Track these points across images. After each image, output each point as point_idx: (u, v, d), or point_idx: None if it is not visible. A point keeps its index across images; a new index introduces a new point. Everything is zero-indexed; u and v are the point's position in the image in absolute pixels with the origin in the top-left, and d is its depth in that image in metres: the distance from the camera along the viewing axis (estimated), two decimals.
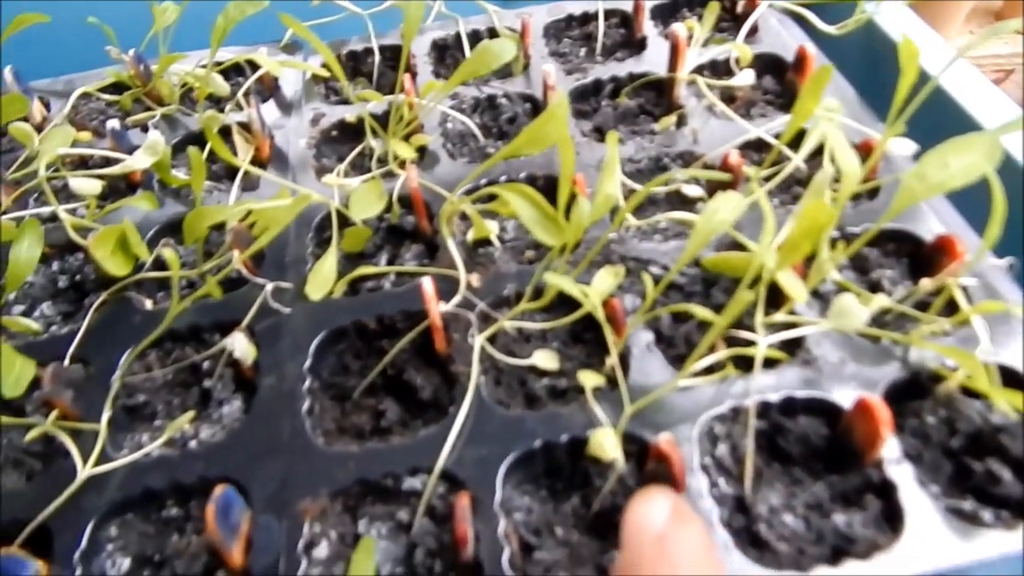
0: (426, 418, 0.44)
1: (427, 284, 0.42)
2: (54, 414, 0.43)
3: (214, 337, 0.49)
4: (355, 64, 0.70)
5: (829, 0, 0.64)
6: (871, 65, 0.61)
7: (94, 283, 0.54)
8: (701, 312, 0.39)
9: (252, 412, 0.43)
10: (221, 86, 0.65)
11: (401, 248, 0.53)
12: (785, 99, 0.60)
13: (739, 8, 0.68)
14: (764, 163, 0.49)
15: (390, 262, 0.52)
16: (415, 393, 0.45)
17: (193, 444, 0.43)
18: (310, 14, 0.67)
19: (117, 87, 0.68)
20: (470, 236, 0.50)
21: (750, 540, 0.36)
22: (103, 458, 0.42)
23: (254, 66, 0.66)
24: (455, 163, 0.57)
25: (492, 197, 0.42)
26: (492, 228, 0.50)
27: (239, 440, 0.42)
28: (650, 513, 0.31)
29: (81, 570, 0.38)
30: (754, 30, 0.64)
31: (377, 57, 0.68)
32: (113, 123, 0.57)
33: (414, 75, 0.66)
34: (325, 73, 0.65)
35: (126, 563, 0.40)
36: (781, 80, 0.61)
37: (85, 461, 0.41)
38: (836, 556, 0.35)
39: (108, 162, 0.60)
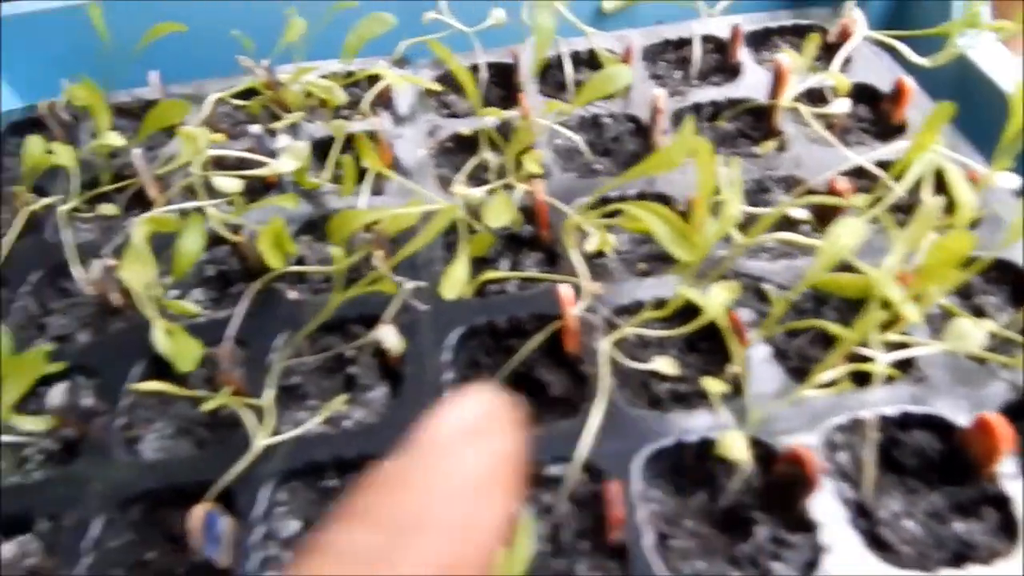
0: (556, 413, 0.48)
1: (565, 290, 0.46)
2: (228, 388, 0.47)
3: (357, 328, 0.53)
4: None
5: (921, 34, 0.67)
6: (962, 96, 0.64)
7: (238, 273, 0.59)
8: (834, 328, 0.42)
9: (400, 398, 0.48)
10: (340, 96, 0.70)
11: (520, 255, 0.57)
12: (879, 127, 0.63)
13: (831, 37, 0.71)
14: (872, 190, 0.52)
15: (512, 268, 0.56)
16: (545, 389, 0.49)
17: (348, 423, 0.48)
18: (418, 31, 0.72)
19: (243, 93, 0.73)
20: (587, 247, 0.55)
21: (874, 542, 0.40)
22: (272, 431, 0.46)
23: (372, 79, 0.70)
24: (563, 177, 0.62)
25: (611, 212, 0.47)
26: (611, 240, 0.54)
27: (391, 422, 0.47)
28: (457, 411, 0.27)
29: (262, 528, 0.43)
30: (847, 60, 0.68)
31: (484, 74, 0.73)
32: (255, 128, 0.62)
33: (518, 93, 0.70)
34: (438, 88, 0.70)
35: (295, 525, 0.44)
36: (875, 109, 0.65)
37: (257, 434, 0.46)
38: (958, 560, 0.38)
39: (242, 163, 0.65)
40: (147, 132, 0.59)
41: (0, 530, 0.46)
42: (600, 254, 0.55)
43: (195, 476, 0.46)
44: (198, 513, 0.40)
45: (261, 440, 0.45)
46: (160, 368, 0.52)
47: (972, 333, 0.42)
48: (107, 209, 0.67)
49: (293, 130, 0.70)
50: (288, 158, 0.57)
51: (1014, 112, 0.46)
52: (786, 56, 0.60)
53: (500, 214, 0.52)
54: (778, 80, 0.60)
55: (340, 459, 0.46)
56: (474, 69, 0.74)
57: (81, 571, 0.42)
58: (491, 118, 0.64)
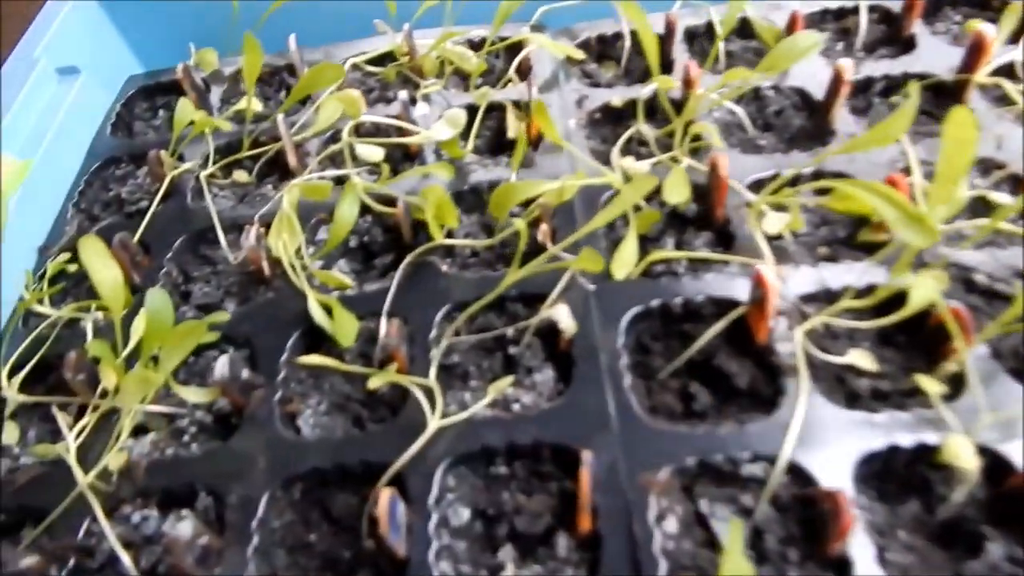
0: (744, 406, 0.44)
1: (768, 272, 0.42)
2: (395, 365, 0.45)
3: (514, 306, 0.50)
4: (603, 48, 0.71)
5: None
6: None
7: (381, 245, 0.57)
8: None
9: (575, 383, 0.45)
10: (477, 64, 0.67)
11: (685, 234, 0.53)
12: None
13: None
14: None
15: (677, 247, 0.53)
16: (728, 380, 0.45)
17: (517, 407, 0.45)
18: None
19: (376, 59, 0.70)
20: (769, 228, 0.50)
21: None
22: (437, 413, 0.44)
23: (513, 48, 0.67)
24: (728, 153, 0.57)
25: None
26: (798, 221, 0.50)
27: (567, 409, 0.44)
28: None
29: (436, 515, 0.40)
30: None
31: (628, 42, 0.69)
32: (403, 95, 0.59)
33: (669, 63, 0.66)
34: (581, 55, 0.66)
35: (466, 513, 0.42)
36: None
37: (428, 413, 0.43)
38: None
39: (378, 130, 0.62)
40: (299, 96, 0.57)
41: (159, 503, 0.45)
42: (776, 236, 0.51)
43: (360, 456, 0.44)
44: (384, 497, 0.38)
45: (435, 422, 0.43)
46: (314, 341, 0.51)
47: None
48: (240, 176, 0.65)
49: (427, 99, 0.67)
50: (445, 126, 0.54)
51: None
52: (990, 27, 0.54)
53: (679, 190, 0.48)
54: (977, 53, 0.55)
55: (513, 445, 0.43)
56: (616, 38, 0.70)
57: (249, 552, 0.41)
58: (650, 87, 0.59)
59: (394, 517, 0.38)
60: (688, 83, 0.56)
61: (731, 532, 0.36)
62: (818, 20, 0.69)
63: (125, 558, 0.42)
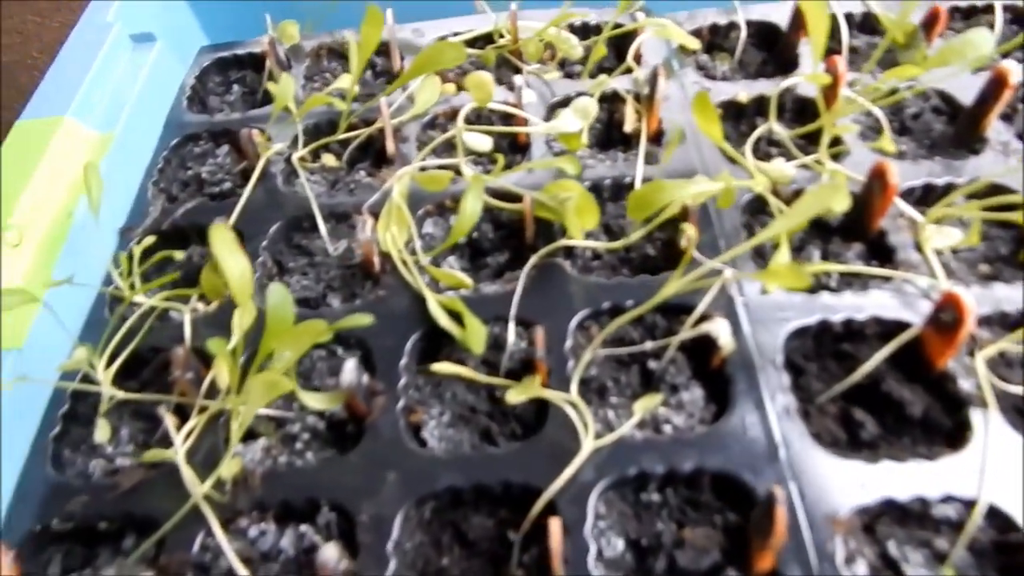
0: (920, 436, 0.41)
1: (967, 295, 0.38)
2: (537, 378, 0.41)
3: (649, 316, 0.47)
4: (713, 38, 0.67)
5: None
6: None
7: (492, 242, 0.53)
8: None
9: (735, 405, 0.41)
10: (576, 48, 0.63)
11: (830, 244, 0.50)
12: None
13: None
14: None
15: (823, 258, 0.49)
16: (898, 408, 0.41)
17: (669, 429, 0.41)
18: None
19: (471, 41, 0.66)
20: (925, 242, 0.47)
21: None
22: (590, 433, 0.40)
23: (629, 34, 0.63)
24: (866, 157, 0.53)
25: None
26: (976, 238, 0.46)
27: (729, 433, 0.40)
28: None
29: (586, 539, 0.37)
30: None
31: (743, 32, 0.65)
32: (519, 80, 0.55)
33: (794, 58, 0.62)
34: (696, 44, 0.62)
35: (619, 544, 0.38)
36: None
37: (581, 433, 0.40)
38: None
39: (479, 117, 0.58)
40: (411, 76, 0.52)
41: (276, 517, 0.41)
42: (939, 252, 0.47)
43: (500, 476, 0.40)
44: (556, 528, 0.34)
45: (589, 442, 0.39)
46: (433, 344, 0.47)
47: None
48: (329, 160, 0.61)
49: (532, 85, 0.63)
50: (573, 116, 0.50)
51: None
52: None
53: (836, 198, 0.45)
54: None
55: (672, 471, 0.39)
56: (730, 28, 0.66)
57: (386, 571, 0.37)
58: (788, 81, 0.55)
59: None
60: (835, 78, 0.52)
61: None
62: (948, 18, 0.65)
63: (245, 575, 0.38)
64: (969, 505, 0.36)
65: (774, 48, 0.65)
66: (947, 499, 0.37)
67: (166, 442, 0.43)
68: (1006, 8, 0.64)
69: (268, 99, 0.66)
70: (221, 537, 0.39)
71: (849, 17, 0.65)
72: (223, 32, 0.75)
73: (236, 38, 0.73)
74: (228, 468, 0.41)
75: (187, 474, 0.40)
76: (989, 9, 0.64)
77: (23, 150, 0.52)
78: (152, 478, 0.42)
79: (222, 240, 0.40)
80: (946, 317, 0.39)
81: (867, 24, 0.66)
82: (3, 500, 0.42)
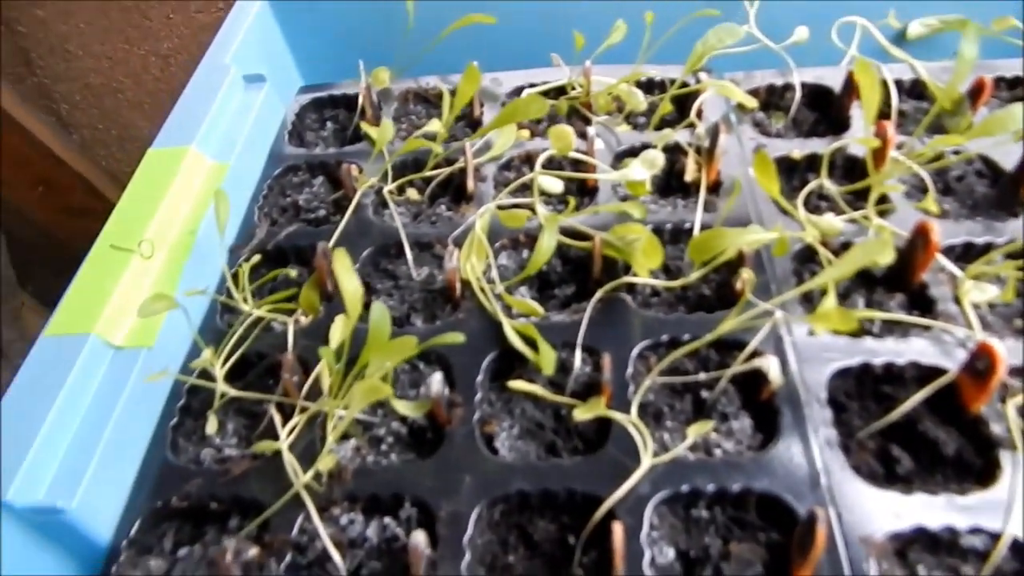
0: (947, 475, 0.44)
1: (999, 346, 0.42)
2: (602, 399, 0.46)
3: (708, 351, 0.51)
4: (769, 97, 0.72)
5: None
6: None
7: (560, 275, 0.59)
8: None
9: (782, 435, 0.45)
10: (643, 103, 0.69)
11: (874, 294, 0.54)
12: None
13: None
14: None
15: (867, 306, 0.53)
16: (933, 447, 0.45)
17: (719, 453, 0.46)
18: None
19: (546, 92, 0.72)
20: (964, 296, 0.50)
21: None
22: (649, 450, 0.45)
23: (693, 92, 0.68)
24: (909, 214, 0.57)
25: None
26: (1012, 294, 0.50)
27: (775, 460, 0.44)
28: None
29: (642, 545, 0.41)
30: None
31: (798, 93, 0.70)
32: (591, 131, 0.61)
33: (845, 119, 0.67)
34: (754, 103, 0.67)
35: (670, 553, 0.43)
36: None
37: (641, 451, 0.44)
38: None
39: (551, 161, 0.64)
40: (500, 124, 0.58)
41: (364, 508, 0.47)
42: (976, 307, 0.51)
43: (564, 484, 0.45)
44: (619, 532, 0.39)
45: (647, 459, 0.44)
46: (506, 365, 0.52)
47: None
48: (412, 194, 0.67)
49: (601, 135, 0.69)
50: (641, 166, 0.56)
51: None
52: None
53: (883, 252, 0.49)
54: None
55: (722, 490, 0.43)
56: (786, 89, 0.71)
57: (463, 567, 0.42)
58: (840, 142, 0.60)
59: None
60: (884, 142, 0.56)
61: None
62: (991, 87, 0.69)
63: (338, 558, 0.43)
64: (995, 537, 0.40)
65: (827, 109, 0.69)
66: (975, 531, 0.40)
67: (266, 437, 0.49)
68: None
69: (357, 136, 0.74)
70: (318, 522, 0.44)
71: (899, 83, 0.69)
72: (319, 75, 0.83)
73: (330, 80, 0.81)
74: (325, 463, 0.47)
75: (290, 465, 0.46)
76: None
77: (154, 175, 0.60)
78: (257, 467, 0.48)
79: (342, 263, 0.46)
80: (980, 365, 0.43)
81: (915, 89, 0.70)
82: (128, 481, 0.49)
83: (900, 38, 0.78)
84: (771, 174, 0.50)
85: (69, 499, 0.43)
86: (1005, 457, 0.43)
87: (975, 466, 0.44)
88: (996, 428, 0.44)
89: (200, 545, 0.47)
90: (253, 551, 0.43)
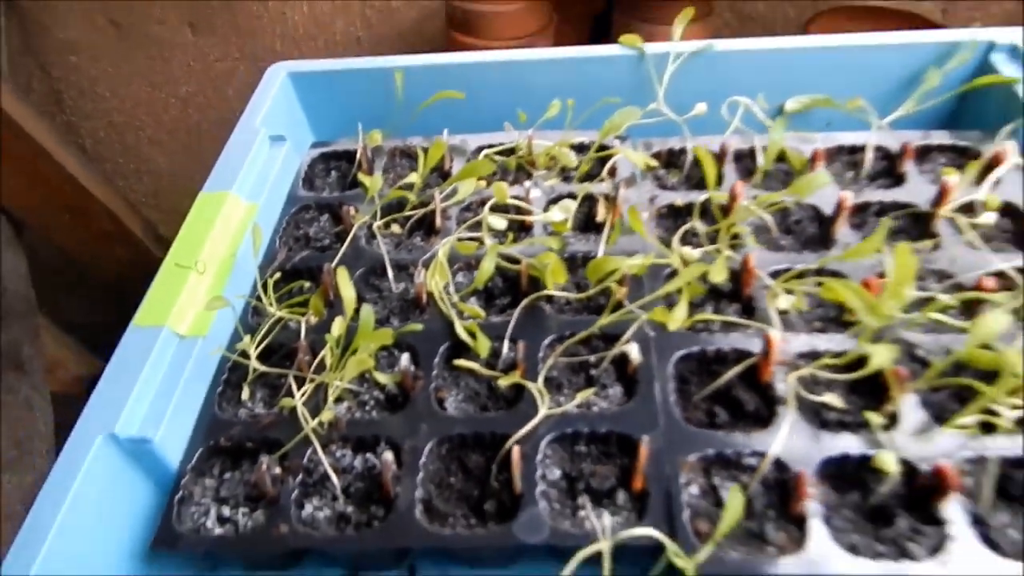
0: (750, 422, 0.65)
1: (775, 335, 0.64)
2: (518, 372, 0.67)
3: (596, 342, 0.73)
4: (670, 158, 0.94)
5: None
6: None
7: (500, 289, 0.80)
8: (983, 387, 0.58)
9: (637, 398, 0.66)
10: (573, 161, 0.91)
11: (721, 304, 0.75)
12: (1018, 238, 0.78)
13: (984, 159, 0.86)
14: (1010, 288, 0.68)
15: (714, 312, 0.74)
16: (740, 405, 0.66)
17: (596, 409, 0.67)
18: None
19: (503, 152, 0.94)
20: (780, 305, 0.72)
21: (986, 540, 0.55)
22: (546, 404, 0.66)
23: (601, 149, 0.91)
24: (756, 249, 0.79)
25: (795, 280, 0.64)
26: (800, 303, 0.71)
27: (631, 413, 0.65)
28: None
29: (536, 469, 0.62)
30: (997, 180, 0.83)
31: (690, 157, 0.92)
32: (528, 183, 0.83)
33: (721, 176, 0.89)
34: (654, 163, 0.89)
35: (557, 472, 0.63)
36: (1017, 223, 0.79)
37: (539, 404, 0.65)
38: None
39: (499, 206, 0.86)
40: (459, 179, 0.81)
41: (352, 447, 0.67)
42: (785, 312, 0.73)
43: (490, 429, 0.66)
44: (517, 453, 0.60)
45: (543, 411, 0.65)
46: (456, 351, 0.73)
47: None
48: (395, 228, 0.89)
49: (539, 185, 0.91)
50: (558, 211, 0.78)
51: None
52: (953, 176, 0.76)
53: (720, 273, 0.71)
54: (943, 194, 0.76)
55: (593, 432, 0.64)
56: (681, 152, 0.93)
57: (415, 482, 0.63)
58: (705, 195, 0.82)
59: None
60: (733, 196, 0.78)
61: (732, 495, 0.57)
62: (836, 152, 0.92)
63: (334, 479, 0.64)
64: (763, 456, 0.61)
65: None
66: (753, 453, 0.61)
67: (286, 398, 0.70)
68: (878, 148, 0.90)
69: (355, 183, 0.95)
70: (321, 455, 0.65)
71: (767, 148, 0.92)
72: (326, 134, 1.05)
73: (334, 138, 1.03)
74: (326, 415, 0.67)
75: (302, 416, 0.67)
76: (864, 148, 0.90)
77: (204, 212, 0.82)
78: (280, 419, 0.69)
79: (342, 278, 0.68)
80: (765, 349, 0.64)
81: (780, 155, 0.92)
82: (188, 428, 0.69)
83: (780, 112, 1.01)
84: (637, 219, 0.72)
85: (154, 433, 0.64)
86: (781, 409, 0.64)
87: (764, 416, 0.65)
88: (780, 391, 0.65)
89: (239, 471, 0.67)
90: (277, 470, 0.64)
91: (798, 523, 0.57)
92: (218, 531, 0.63)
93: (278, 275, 0.82)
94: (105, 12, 2.09)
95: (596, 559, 0.55)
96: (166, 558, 0.63)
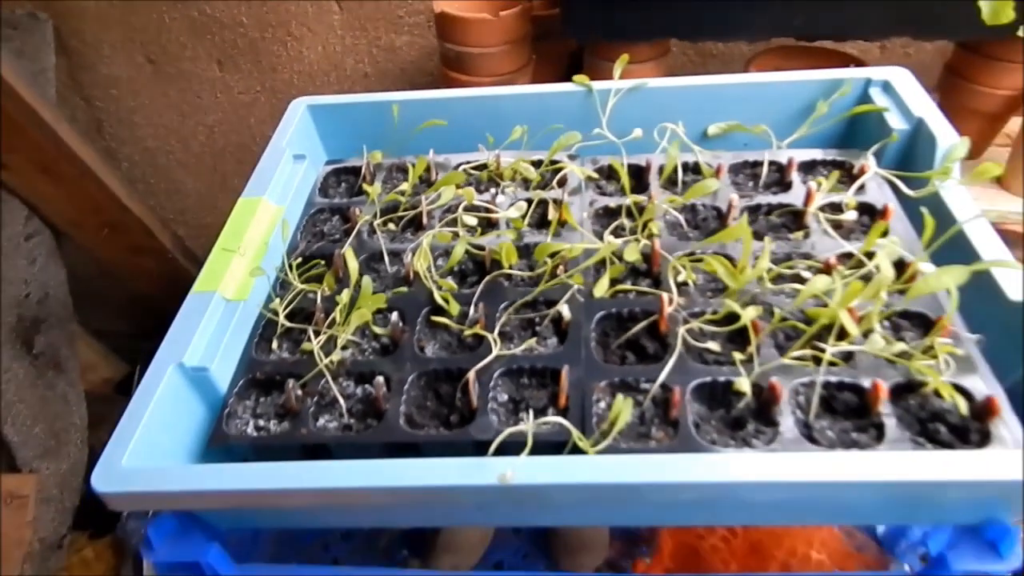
0: (650, 361, 0.88)
1: (665, 298, 0.86)
2: (479, 326, 0.90)
3: (541, 307, 0.95)
4: (611, 171, 1.18)
5: (912, 175, 1.04)
6: (934, 216, 1.00)
7: (471, 270, 1.03)
8: (805, 328, 0.81)
9: (567, 344, 0.89)
10: (534, 175, 1.14)
11: (638, 280, 0.98)
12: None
13: (855, 171, 1.10)
14: (848, 264, 0.90)
15: (632, 284, 0.97)
16: (644, 350, 0.89)
17: (536, 353, 0.89)
18: (586, 138, 1.16)
19: (477, 166, 1.18)
20: (680, 278, 0.95)
21: (809, 438, 0.77)
22: (498, 348, 0.88)
23: (555, 164, 1.14)
24: (669, 239, 1.02)
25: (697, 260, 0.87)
26: (693, 276, 0.94)
27: (562, 355, 0.88)
28: None
29: (490, 393, 0.84)
30: (862, 186, 1.06)
31: (625, 169, 1.15)
32: (493, 191, 1.07)
33: (648, 186, 1.12)
34: (596, 176, 1.12)
35: (504, 396, 0.86)
36: (872, 218, 1.02)
37: (493, 348, 0.88)
38: (850, 446, 0.75)
39: (475, 208, 1.09)
40: (441, 186, 1.04)
41: (355, 380, 0.90)
42: (686, 283, 0.95)
43: (456, 366, 0.88)
44: (472, 379, 0.82)
45: (495, 351, 0.87)
46: (435, 312, 0.96)
47: (880, 342, 0.79)
48: (391, 226, 1.13)
49: (505, 193, 1.14)
50: (515, 210, 1.01)
51: (927, 224, 0.84)
52: (813, 183, 0.99)
53: (632, 254, 0.94)
54: (808, 197, 1.00)
55: (533, 368, 0.87)
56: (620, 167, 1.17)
57: (400, 403, 0.85)
58: (630, 199, 1.06)
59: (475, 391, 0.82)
60: (650, 198, 1.02)
61: (621, 401, 0.79)
62: (742, 166, 1.15)
63: (341, 401, 0.87)
64: (653, 382, 0.83)
65: (640, 178, 1.15)
66: (648, 380, 0.84)
67: (306, 344, 0.93)
68: (772, 163, 1.13)
69: (360, 192, 1.19)
70: (332, 384, 0.88)
71: (687, 164, 1.15)
72: (337, 154, 1.29)
73: (344, 157, 1.28)
74: (335, 356, 0.90)
75: (318, 356, 0.90)
76: (760, 163, 1.13)
77: (244, 212, 1.05)
78: (302, 359, 0.92)
79: (351, 258, 0.91)
80: (668, 309, 0.87)
81: (697, 167, 1.16)
82: (233, 365, 0.92)
83: (704, 136, 1.25)
84: (569, 213, 0.95)
85: (210, 364, 0.87)
86: (672, 352, 0.86)
87: (661, 355, 0.87)
88: (674, 338, 0.88)
89: (270, 397, 0.90)
90: (300, 392, 0.86)
91: (674, 425, 0.79)
92: (255, 434, 0.86)
93: (300, 259, 1.05)
94: (144, 51, 2.36)
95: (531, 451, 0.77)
96: (218, 452, 0.85)
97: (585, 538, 1.08)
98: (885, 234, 0.99)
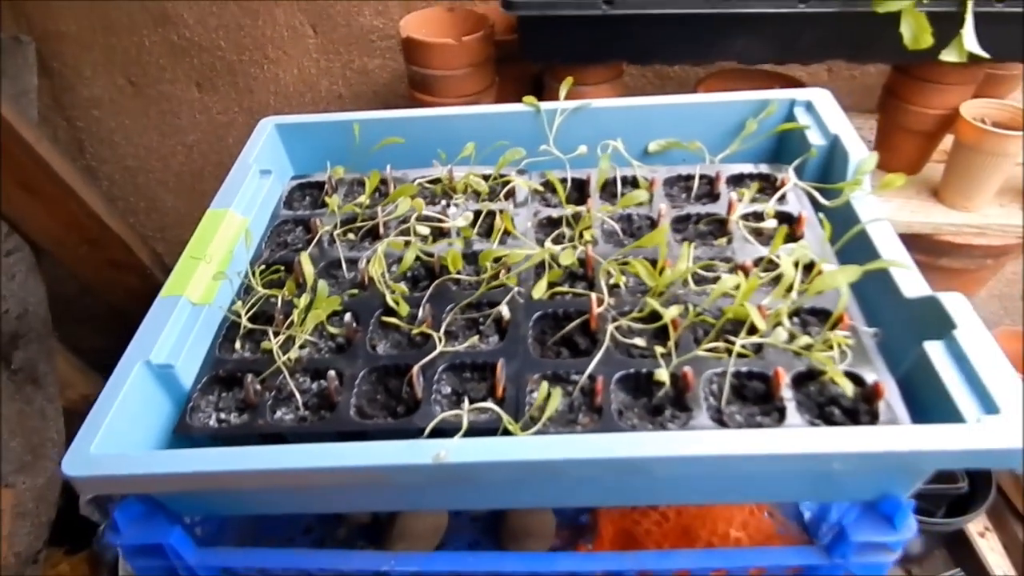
0: (581, 355, 0.96)
1: (594, 299, 0.95)
2: (426, 324, 0.98)
3: (485, 308, 1.03)
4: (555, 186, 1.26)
5: (828, 187, 1.14)
6: (846, 223, 1.10)
7: (422, 275, 1.11)
8: (713, 321, 0.89)
9: (506, 341, 0.97)
10: (484, 188, 1.23)
11: (575, 283, 1.07)
12: (789, 237, 1.10)
13: (778, 183, 1.19)
14: (762, 267, 0.99)
15: (569, 287, 1.06)
16: (577, 346, 0.97)
17: (478, 349, 0.97)
18: (533, 155, 1.25)
19: (432, 180, 1.27)
20: (611, 281, 1.03)
21: (719, 422, 0.85)
22: (444, 346, 0.96)
23: (505, 180, 1.23)
24: (605, 246, 1.11)
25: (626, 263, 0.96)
26: (623, 279, 1.03)
27: (501, 351, 0.96)
28: None
29: (434, 386, 0.92)
30: (782, 196, 1.15)
31: (569, 183, 1.24)
32: (444, 202, 1.16)
33: (587, 197, 1.21)
34: (541, 189, 1.21)
35: (448, 388, 0.94)
36: (791, 226, 1.11)
37: (437, 345, 0.96)
38: (755, 428, 0.83)
39: (429, 218, 1.18)
40: (394, 199, 1.13)
41: (310, 376, 0.98)
42: (617, 286, 1.04)
43: (404, 362, 0.96)
44: (416, 372, 0.90)
45: (439, 348, 0.95)
46: (387, 314, 1.04)
47: (784, 335, 0.88)
48: (350, 235, 1.21)
49: (457, 204, 1.23)
50: (462, 220, 1.09)
51: (826, 227, 0.93)
52: (735, 194, 1.09)
53: (568, 259, 1.02)
54: (730, 207, 1.09)
55: (475, 363, 0.95)
56: (564, 181, 1.26)
57: (352, 396, 0.93)
58: (570, 210, 1.14)
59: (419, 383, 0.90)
60: (588, 209, 1.11)
61: (549, 391, 0.87)
62: (676, 180, 1.24)
63: (297, 395, 0.94)
64: (582, 374, 0.91)
65: (582, 191, 1.24)
66: (577, 372, 0.92)
67: (267, 343, 1.00)
68: (703, 176, 1.23)
69: (323, 204, 1.27)
70: (288, 379, 0.95)
71: (625, 177, 1.24)
72: (302, 169, 1.38)
73: (308, 172, 1.36)
74: (293, 354, 0.98)
75: (276, 355, 0.97)
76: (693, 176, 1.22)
77: (211, 223, 1.13)
78: (262, 357, 0.99)
79: (306, 263, 0.99)
80: (597, 309, 0.96)
81: (636, 181, 1.25)
82: (198, 364, 1.00)
83: (645, 152, 1.34)
84: (510, 222, 1.04)
85: (176, 361, 0.94)
86: (600, 347, 0.94)
87: (592, 351, 0.95)
88: (603, 334, 0.96)
89: (231, 393, 0.97)
90: (258, 386, 0.94)
91: (599, 412, 0.88)
92: (217, 426, 0.93)
93: (263, 267, 1.13)
94: (125, 73, 2.44)
95: (466, 434, 0.85)
96: (182, 443, 0.92)
97: (531, 527, 1.15)
98: (799, 239, 1.08)
